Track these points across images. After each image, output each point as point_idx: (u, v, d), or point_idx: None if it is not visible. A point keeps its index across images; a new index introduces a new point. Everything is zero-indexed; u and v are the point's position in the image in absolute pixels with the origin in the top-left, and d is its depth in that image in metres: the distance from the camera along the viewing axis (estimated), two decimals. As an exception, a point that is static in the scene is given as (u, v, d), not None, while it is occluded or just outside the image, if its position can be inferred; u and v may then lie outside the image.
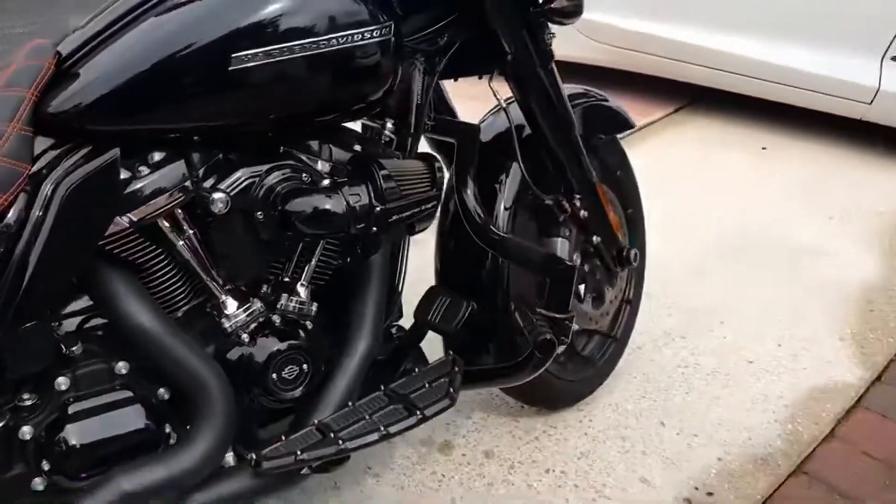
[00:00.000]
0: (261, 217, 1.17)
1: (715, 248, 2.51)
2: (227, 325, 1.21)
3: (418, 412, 1.27)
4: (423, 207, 1.28)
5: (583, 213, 1.59)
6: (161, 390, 1.21)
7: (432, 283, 1.57)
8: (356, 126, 1.38)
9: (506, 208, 1.53)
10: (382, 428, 1.24)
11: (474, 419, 1.77)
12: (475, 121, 1.55)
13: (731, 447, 1.73)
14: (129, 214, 1.10)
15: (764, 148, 3.23)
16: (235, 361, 1.24)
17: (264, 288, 1.27)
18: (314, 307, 1.27)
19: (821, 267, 2.41)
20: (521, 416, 1.79)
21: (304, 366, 1.27)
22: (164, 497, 1.16)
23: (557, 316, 1.38)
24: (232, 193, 1.15)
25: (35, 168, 1.05)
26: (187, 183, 1.13)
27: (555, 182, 1.57)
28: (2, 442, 1.11)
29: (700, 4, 3.32)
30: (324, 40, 1.13)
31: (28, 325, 1.07)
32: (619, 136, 1.84)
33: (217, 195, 1.13)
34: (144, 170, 1.11)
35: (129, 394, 1.18)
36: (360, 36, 1.16)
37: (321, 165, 1.23)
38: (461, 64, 1.43)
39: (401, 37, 1.25)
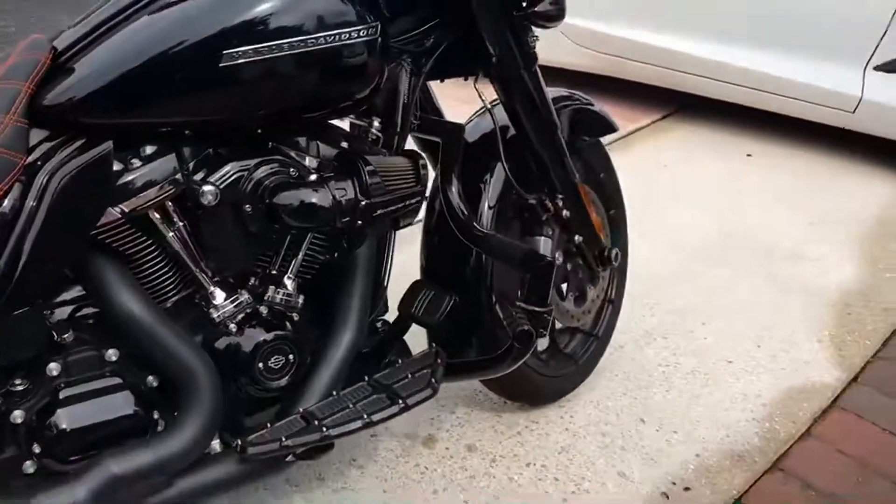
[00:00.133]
0: (249, 210, 1.20)
1: (698, 251, 2.55)
2: (215, 315, 1.25)
3: (401, 401, 1.30)
4: (407, 203, 1.31)
5: (565, 212, 1.63)
6: (150, 378, 1.24)
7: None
8: (344, 124, 1.42)
9: (490, 207, 1.56)
10: (366, 416, 1.28)
11: (458, 414, 1.81)
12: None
13: (709, 444, 1.77)
14: (120, 205, 1.13)
15: (749, 155, 3.28)
16: (223, 351, 1.28)
17: (252, 280, 1.30)
18: (301, 299, 1.31)
19: (801, 271, 2.46)
20: (503, 411, 1.82)
21: (290, 356, 1.31)
22: (151, 480, 1.19)
23: (537, 309, 1.42)
24: (221, 186, 1.18)
25: (30, 159, 1.07)
26: (178, 176, 1.16)
27: (538, 182, 1.61)
28: (-6, 426, 1.14)
29: (687, 13, 3.37)
30: (312, 39, 1.16)
31: (20, 311, 1.10)
32: (602, 139, 1.87)
33: (207, 188, 1.17)
34: (136, 162, 1.15)
35: (119, 380, 1.22)
36: (348, 35, 1.19)
37: (308, 161, 1.27)
38: (447, 65, 1.47)
39: (388, 37, 1.29)
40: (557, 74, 3.46)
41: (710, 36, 3.32)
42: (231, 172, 1.19)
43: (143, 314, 1.18)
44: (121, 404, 1.21)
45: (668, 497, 1.63)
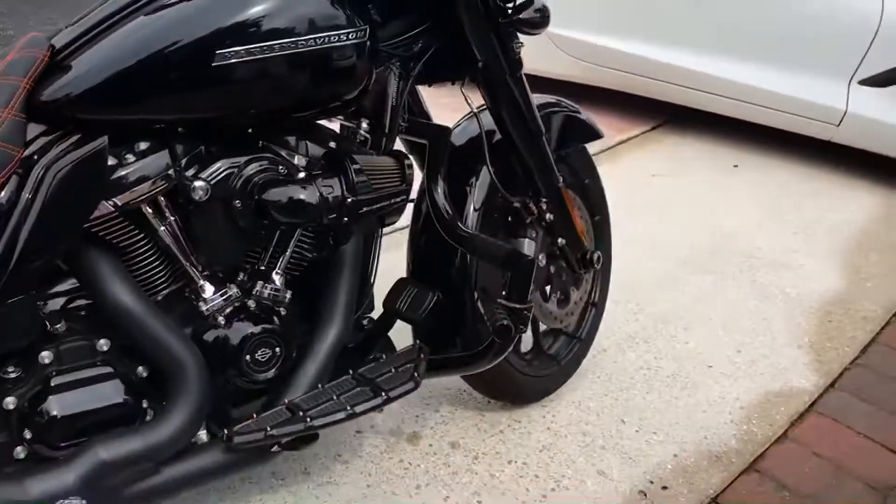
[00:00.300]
0: (238, 205, 1.24)
1: (683, 258, 2.60)
2: (204, 308, 1.28)
3: (383, 394, 1.34)
4: (392, 201, 1.35)
5: (549, 216, 1.67)
6: (140, 368, 1.28)
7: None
8: (334, 125, 1.46)
9: (475, 209, 1.60)
10: (349, 408, 1.31)
11: (442, 412, 1.84)
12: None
13: (687, 445, 1.80)
14: (114, 199, 1.17)
15: (736, 166, 3.33)
16: (211, 343, 1.31)
17: (241, 275, 1.34)
18: (288, 294, 1.35)
19: (784, 279, 2.51)
20: (487, 410, 1.86)
21: (277, 349, 1.34)
22: (139, 467, 1.22)
23: (517, 306, 1.46)
24: (212, 182, 1.22)
25: (27, 152, 1.11)
26: (170, 171, 1.20)
27: (523, 186, 1.65)
28: (-15, 412, 1.17)
29: (677, 27, 3.43)
30: (302, 41, 1.20)
31: (14, 300, 1.13)
32: (592, 147, 1.91)
33: (198, 183, 1.20)
34: (130, 158, 1.19)
35: (110, 370, 1.25)
36: (337, 38, 1.24)
37: (297, 159, 1.31)
38: (435, 70, 1.51)
39: (377, 41, 1.33)
40: (550, 84, 3.52)
41: (699, 49, 3.38)
42: (222, 169, 1.23)
43: (135, 306, 1.22)
44: (111, 393, 1.25)
45: (645, 495, 1.66)
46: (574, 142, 1.84)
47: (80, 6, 1.25)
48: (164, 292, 1.28)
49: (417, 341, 1.49)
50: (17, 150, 1.09)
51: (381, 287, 1.56)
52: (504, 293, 1.51)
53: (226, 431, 1.27)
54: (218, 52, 1.16)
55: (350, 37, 1.26)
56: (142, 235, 1.23)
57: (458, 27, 1.44)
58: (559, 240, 1.72)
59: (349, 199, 1.28)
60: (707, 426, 1.87)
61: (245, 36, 1.17)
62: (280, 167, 1.27)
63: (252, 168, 1.25)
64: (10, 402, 1.18)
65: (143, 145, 1.20)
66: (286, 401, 1.32)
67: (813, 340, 2.21)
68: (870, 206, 3.05)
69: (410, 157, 1.46)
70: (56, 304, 1.22)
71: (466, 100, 1.55)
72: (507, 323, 1.43)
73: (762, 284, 2.48)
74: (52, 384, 1.21)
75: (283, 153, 1.30)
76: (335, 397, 1.33)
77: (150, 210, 1.21)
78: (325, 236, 1.36)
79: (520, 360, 1.80)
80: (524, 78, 1.55)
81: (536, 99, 1.72)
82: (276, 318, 1.35)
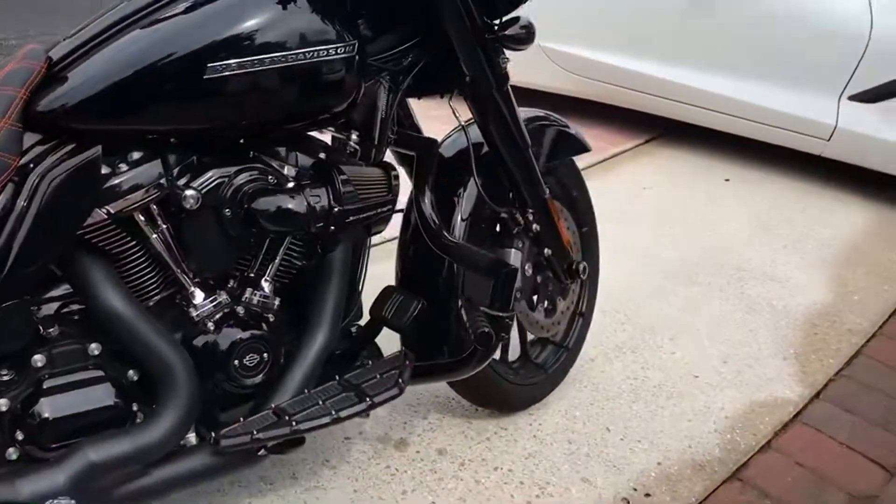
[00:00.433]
0: (228, 214, 1.27)
1: (672, 270, 2.63)
2: (194, 314, 1.31)
3: (368, 399, 1.37)
4: (378, 211, 1.39)
5: (535, 226, 1.70)
6: (131, 371, 1.31)
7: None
8: (326, 137, 1.49)
9: (463, 219, 1.64)
10: (334, 412, 1.34)
11: (430, 419, 1.87)
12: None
13: (671, 453, 1.83)
14: (107, 207, 1.20)
15: (727, 179, 3.37)
16: (201, 348, 1.34)
17: (231, 282, 1.37)
18: (277, 301, 1.38)
19: (771, 292, 2.54)
20: (474, 417, 1.89)
21: (265, 354, 1.37)
22: (128, 468, 1.25)
23: (499, 314, 1.49)
24: (203, 191, 1.25)
25: (23, 161, 1.15)
26: (162, 180, 1.23)
27: (510, 197, 1.69)
28: (-22, 414, 1.20)
29: (671, 42, 3.48)
30: (292, 54, 1.24)
31: (8, 304, 1.16)
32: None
33: (189, 192, 1.24)
34: (124, 167, 1.22)
35: (101, 373, 1.28)
36: (326, 52, 1.27)
37: (287, 169, 1.34)
38: (424, 83, 1.55)
39: (365, 55, 1.36)
40: (544, 98, 3.57)
41: (692, 64, 3.43)
42: (212, 178, 1.26)
43: (126, 311, 1.25)
44: (102, 396, 1.27)
45: (629, 502, 1.69)
46: (562, 155, 1.87)
47: (77, 14, 1.29)
48: (156, 298, 1.31)
49: (404, 348, 1.52)
50: (13, 158, 1.13)
51: (372, 295, 1.60)
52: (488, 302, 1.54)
53: (213, 434, 1.30)
54: (210, 65, 1.19)
55: (339, 51, 1.29)
56: (134, 242, 1.26)
57: (447, 42, 1.48)
58: (545, 250, 1.75)
59: (336, 209, 1.32)
60: (691, 435, 1.89)
61: (236, 50, 1.21)
62: (269, 177, 1.31)
63: (242, 178, 1.28)
64: (2, 403, 1.21)
65: (136, 155, 1.23)
66: (273, 405, 1.35)
67: (798, 352, 2.24)
68: (860, 220, 3.09)
69: (398, 167, 1.50)
70: (50, 308, 1.25)
71: (454, 113, 1.59)
72: (489, 330, 1.46)
73: (750, 296, 2.51)
74: (44, 387, 1.23)
75: (273, 163, 1.33)
76: (321, 402, 1.36)
77: (142, 218, 1.24)
78: (313, 244, 1.40)
79: (507, 369, 1.83)
80: (510, 92, 1.59)
81: (526, 113, 1.76)
82: (264, 325, 1.38)
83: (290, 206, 1.28)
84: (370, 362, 1.48)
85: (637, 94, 3.58)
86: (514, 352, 1.89)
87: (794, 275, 2.65)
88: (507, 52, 1.56)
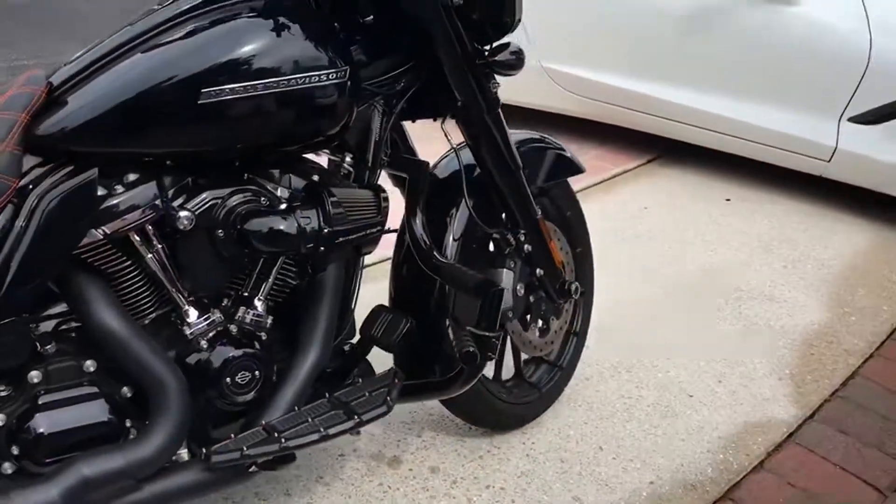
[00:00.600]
0: (221, 235, 1.31)
1: (671, 290, 2.64)
2: (188, 332, 1.34)
3: (356, 417, 1.40)
4: (367, 232, 1.42)
5: (527, 247, 1.73)
6: (125, 388, 1.33)
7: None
8: (322, 159, 1.53)
9: (454, 239, 1.67)
10: (322, 430, 1.37)
11: (424, 437, 1.89)
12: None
13: (664, 472, 1.84)
14: (103, 227, 1.23)
15: (728, 199, 3.39)
16: (194, 366, 1.37)
17: (225, 301, 1.40)
18: (269, 320, 1.41)
19: (769, 312, 2.55)
20: (467, 436, 1.90)
21: (257, 372, 1.40)
22: (120, 484, 1.27)
23: (485, 334, 1.51)
24: (197, 213, 1.29)
25: (22, 182, 1.19)
26: (158, 202, 1.27)
27: (501, 218, 1.71)
28: (-25, 429, 1.23)
29: (672, 63, 3.50)
30: (284, 80, 1.28)
31: (5, 322, 1.20)
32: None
33: (183, 213, 1.27)
34: (120, 188, 1.25)
35: (95, 390, 1.31)
36: (318, 78, 1.31)
37: (280, 191, 1.38)
38: (417, 107, 1.59)
39: (359, 80, 1.40)
40: (546, 118, 3.61)
41: (693, 86, 3.44)
42: (206, 200, 1.30)
43: (121, 329, 1.28)
44: (96, 412, 1.30)
45: (619, 521, 1.70)
46: (556, 176, 1.90)
47: (72, 35, 1.32)
48: (151, 316, 1.34)
49: (394, 367, 1.54)
50: (13, 180, 1.17)
51: (365, 314, 1.62)
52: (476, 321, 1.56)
53: (204, 450, 1.33)
54: (205, 90, 1.23)
55: (331, 76, 1.33)
56: (129, 262, 1.29)
57: (439, 68, 1.51)
58: (538, 270, 1.77)
59: (326, 230, 1.35)
60: (684, 454, 1.91)
61: (231, 75, 1.25)
62: (262, 199, 1.34)
63: (235, 199, 1.31)
64: (-1, 418, 1.24)
65: (132, 177, 1.26)
66: (264, 422, 1.38)
67: (794, 372, 2.25)
68: (860, 241, 3.09)
69: (389, 189, 1.53)
70: (46, 326, 1.28)
71: (447, 136, 1.62)
72: (474, 350, 1.48)
73: (747, 316, 2.52)
74: (40, 403, 1.26)
75: (267, 185, 1.37)
76: (310, 419, 1.38)
77: (137, 238, 1.27)
78: (305, 264, 1.43)
79: (500, 388, 1.85)
80: (501, 115, 1.62)
81: (521, 135, 1.80)
82: (256, 343, 1.41)
83: (281, 227, 1.31)
84: (360, 380, 1.50)
85: (638, 114, 3.61)
86: (508, 371, 1.91)
87: (793, 295, 2.66)
88: (499, 77, 1.60)
